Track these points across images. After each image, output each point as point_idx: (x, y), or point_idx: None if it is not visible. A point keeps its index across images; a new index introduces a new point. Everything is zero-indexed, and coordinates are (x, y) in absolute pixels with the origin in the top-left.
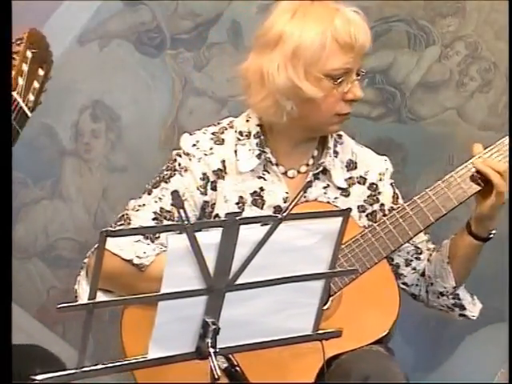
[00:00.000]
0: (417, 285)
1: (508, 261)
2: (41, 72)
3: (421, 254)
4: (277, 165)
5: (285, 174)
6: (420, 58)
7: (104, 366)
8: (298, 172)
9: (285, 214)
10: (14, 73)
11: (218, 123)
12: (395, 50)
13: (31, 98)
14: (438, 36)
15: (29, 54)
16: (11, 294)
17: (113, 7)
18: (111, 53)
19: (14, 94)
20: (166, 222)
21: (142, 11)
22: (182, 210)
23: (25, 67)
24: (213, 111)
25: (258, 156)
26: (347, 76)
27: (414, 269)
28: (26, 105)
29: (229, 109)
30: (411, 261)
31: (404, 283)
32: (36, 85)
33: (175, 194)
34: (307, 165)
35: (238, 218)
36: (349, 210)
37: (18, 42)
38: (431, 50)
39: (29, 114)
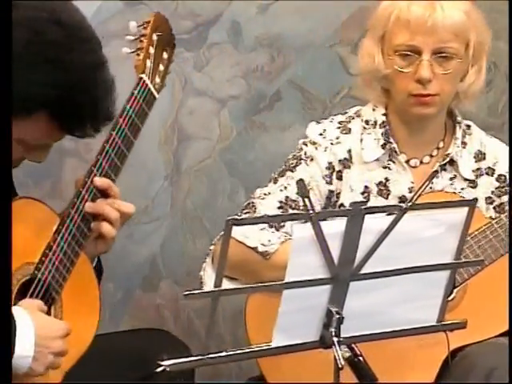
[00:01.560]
0: None
1: (508, 260)
2: (165, 55)
3: None
4: (400, 154)
5: (407, 162)
6: None
7: (228, 353)
8: (421, 162)
9: (410, 204)
10: (142, 55)
11: (345, 112)
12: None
13: (157, 80)
14: None
15: (155, 37)
16: (11, 294)
17: (113, 7)
18: (111, 53)
19: (143, 76)
20: (290, 211)
21: (142, 11)
22: (307, 199)
23: (152, 50)
24: (213, 111)
25: (383, 146)
26: (417, 54)
27: None
28: (154, 87)
29: (229, 109)
30: None
31: None
32: (161, 67)
33: (301, 183)
34: (431, 155)
35: (363, 207)
36: (475, 199)
37: (145, 26)
38: None
39: (156, 95)
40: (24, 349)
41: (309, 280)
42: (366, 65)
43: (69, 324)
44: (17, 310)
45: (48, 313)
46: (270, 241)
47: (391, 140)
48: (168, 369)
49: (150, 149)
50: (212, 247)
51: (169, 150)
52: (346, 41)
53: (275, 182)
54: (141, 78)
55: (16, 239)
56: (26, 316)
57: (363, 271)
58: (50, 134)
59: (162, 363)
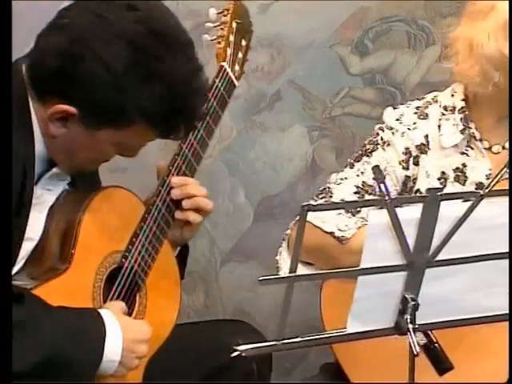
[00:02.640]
0: None
1: (508, 260)
2: (243, 43)
3: None
4: (481, 140)
5: (489, 149)
6: (420, 58)
7: (303, 338)
8: (503, 148)
9: (487, 191)
10: (223, 44)
11: (423, 97)
12: (395, 50)
13: (236, 68)
14: (437, 36)
15: (234, 24)
16: (11, 294)
17: None
18: None
19: (224, 64)
20: (367, 196)
21: None
22: (382, 185)
23: (231, 38)
24: None
25: (462, 131)
26: None
27: None
28: (234, 74)
29: (229, 109)
30: None
31: None
32: (240, 55)
33: (377, 168)
34: None
35: (439, 193)
36: None
37: (225, 13)
38: (431, 50)
39: (236, 83)
40: (113, 353)
41: (384, 266)
42: (494, 54)
43: (151, 311)
44: (106, 314)
45: (133, 301)
46: (346, 226)
47: (471, 125)
48: (243, 354)
49: (151, 149)
50: (288, 232)
51: (169, 150)
52: (345, 41)
53: (351, 167)
54: (222, 67)
55: (104, 228)
56: (114, 320)
57: (439, 258)
58: (147, 137)
59: (237, 348)
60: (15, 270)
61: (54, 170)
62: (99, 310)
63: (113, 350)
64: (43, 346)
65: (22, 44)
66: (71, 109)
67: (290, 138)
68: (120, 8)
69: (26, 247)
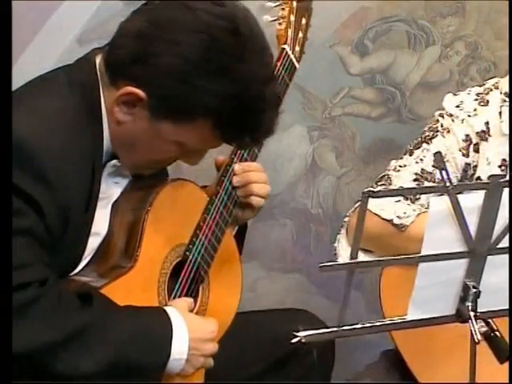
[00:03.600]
0: None
1: (508, 260)
2: (303, 21)
3: None
4: None
5: None
6: (420, 58)
7: (363, 325)
8: None
9: None
10: (284, 25)
11: (483, 84)
12: (395, 50)
13: (297, 48)
14: (438, 36)
15: (294, 4)
16: (11, 293)
17: (113, 7)
18: None
19: (285, 46)
20: (426, 184)
21: None
22: (444, 172)
23: (292, 18)
24: None
25: None
26: None
27: None
28: (294, 56)
29: None
30: None
31: None
32: (300, 35)
33: (437, 155)
34: None
35: (501, 180)
36: None
37: None
38: (431, 50)
39: (297, 65)
40: (180, 351)
41: (445, 253)
42: None
43: (214, 301)
44: (172, 312)
45: (197, 292)
46: (405, 213)
47: None
48: (303, 340)
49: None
50: (346, 219)
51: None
52: (345, 41)
53: (411, 154)
54: (283, 49)
55: (169, 222)
56: (181, 319)
57: (501, 245)
58: (209, 141)
59: (297, 334)
60: (82, 265)
61: (115, 161)
62: (165, 308)
63: (179, 348)
64: (111, 346)
65: (22, 44)
66: (140, 92)
67: (290, 137)
68: (206, 2)
69: (93, 242)
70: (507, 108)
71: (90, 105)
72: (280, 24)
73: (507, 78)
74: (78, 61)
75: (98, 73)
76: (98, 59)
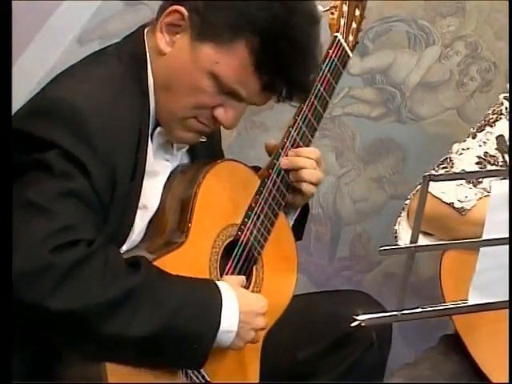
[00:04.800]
0: None
1: (508, 261)
2: (357, 12)
3: None
4: None
5: None
6: (420, 58)
7: (423, 309)
8: None
9: None
10: (336, 14)
11: None
12: (395, 50)
13: (350, 38)
14: (438, 36)
15: None
16: (12, 293)
17: (113, 7)
18: None
19: (338, 34)
20: (489, 167)
21: (142, 11)
22: (506, 155)
23: (345, 8)
24: None
25: None
26: None
27: None
28: (348, 45)
29: None
30: None
31: None
32: (354, 25)
33: (500, 138)
34: None
35: None
36: None
37: None
38: (431, 50)
39: (350, 54)
40: (230, 324)
41: (507, 238)
42: None
43: (269, 284)
44: (222, 285)
45: (250, 274)
46: (466, 197)
47: None
48: (363, 324)
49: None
50: (407, 202)
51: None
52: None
53: (474, 137)
54: (335, 37)
55: (220, 200)
56: (231, 291)
57: None
58: (244, 74)
59: (357, 318)
60: (131, 238)
61: (159, 129)
62: (216, 282)
63: (229, 320)
64: (162, 309)
65: (22, 44)
66: (184, 10)
67: None
68: None
69: (141, 215)
70: None
71: (137, 73)
72: (332, 14)
73: None
74: (127, 35)
75: (146, 43)
76: (147, 31)
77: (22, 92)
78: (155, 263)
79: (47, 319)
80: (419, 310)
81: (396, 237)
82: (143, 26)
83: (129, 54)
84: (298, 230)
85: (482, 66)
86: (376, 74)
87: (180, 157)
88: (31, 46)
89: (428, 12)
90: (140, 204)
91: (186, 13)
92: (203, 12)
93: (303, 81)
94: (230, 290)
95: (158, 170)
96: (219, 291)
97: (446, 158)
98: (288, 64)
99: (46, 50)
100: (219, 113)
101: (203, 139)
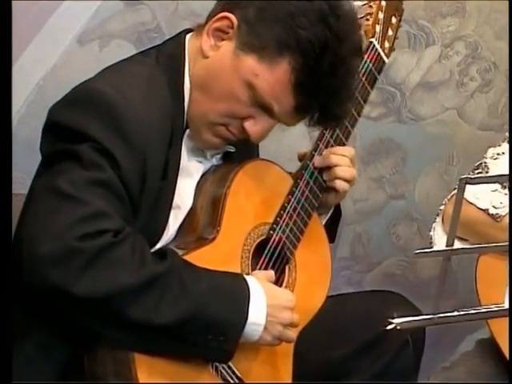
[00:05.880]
0: None
1: (508, 261)
2: (393, 20)
3: None
4: None
5: None
6: (420, 58)
7: (459, 313)
8: None
9: None
10: (371, 20)
11: None
12: (395, 49)
13: (386, 44)
14: (438, 36)
15: (383, 3)
16: (12, 292)
17: (113, 7)
18: (111, 53)
19: (373, 40)
20: None
21: (142, 11)
22: None
23: (381, 15)
24: None
25: None
26: None
27: None
28: (383, 51)
29: None
30: None
31: None
32: (390, 32)
33: None
34: None
35: None
36: None
37: None
38: (431, 50)
39: (386, 60)
40: (258, 316)
41: None
42: None
43: (302, 284)
44: (249, 278)
45: (282, 273)
46: (501, 203)
47: None
48: (398, 327)
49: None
50: (442, 207)
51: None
52: None
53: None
54: (371, 43)
55: (252, 199)
56: (258, 285)
57: None
58: (281, 92)
59: (393, 321)
60: (165, 239)
61: (188, 131)
62: (244, 275)
63: (257, 313)
64: (189, 297)
65: (22, 44)
66: (234, 18)
67: (290, 137)
68: None
69: (174, 216)
70: None
71: (173, 74)
72: (367, 20)
73: None
74: (170, 37)
75: (187, 46)
76: (189, 35)
77: (22, 92)
78: (185, 257)
79: (72, 304)
80: (455, 313)
81: (431, 243)
82: (186, 30)
83: (167, 56)
84: (330, 232)
85: (482, 66)
86: None
87: (214, 160)
88: (31, 46)
89: (428, 12)
90: (174, 204)
91: (235, 21)
92: (253, 23)
93: (336, 108)
94: (257, 283)
95: (193, 171)
96: (246, 284)
97: (481, 163)
98: (326, 90)
99: (46, 50)
100: (249, 124)
101: (231, 149)
